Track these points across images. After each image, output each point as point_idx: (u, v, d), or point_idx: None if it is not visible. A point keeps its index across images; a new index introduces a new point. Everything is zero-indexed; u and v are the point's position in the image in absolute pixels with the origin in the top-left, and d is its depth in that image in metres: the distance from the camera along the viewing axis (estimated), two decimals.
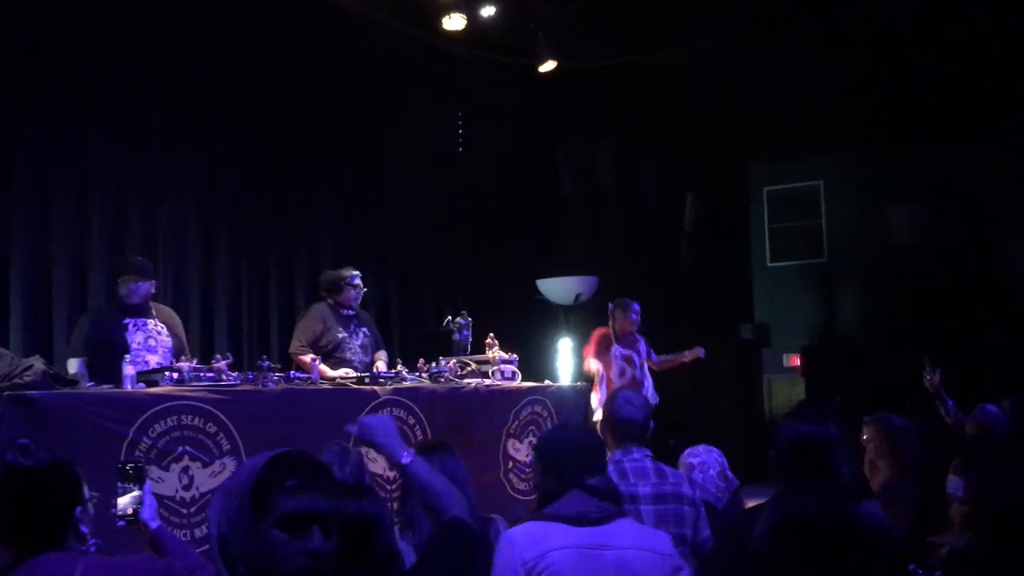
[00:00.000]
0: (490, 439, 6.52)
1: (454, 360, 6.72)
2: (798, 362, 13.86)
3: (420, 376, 6.36)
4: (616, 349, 8.10)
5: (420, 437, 5.82)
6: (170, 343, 5.83)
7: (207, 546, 2.02)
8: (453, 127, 10.50)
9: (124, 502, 2.85)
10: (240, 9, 7.97)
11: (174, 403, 4.73)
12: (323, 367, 6.24)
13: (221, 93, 8.07)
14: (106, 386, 4.78)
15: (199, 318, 7.75)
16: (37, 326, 6.64)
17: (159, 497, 4.31)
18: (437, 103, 10.01)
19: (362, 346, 6.82)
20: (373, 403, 5.66)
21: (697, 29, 9.11)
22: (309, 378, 5.73)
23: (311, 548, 1.86)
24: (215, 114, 8.03)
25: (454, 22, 8.35)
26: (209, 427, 4.85)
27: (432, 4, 8.40)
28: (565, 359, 9.55)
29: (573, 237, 11.79)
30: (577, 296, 10.29)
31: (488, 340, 6.96)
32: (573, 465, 2.93)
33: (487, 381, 6.65)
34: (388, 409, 5.77)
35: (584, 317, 9.85)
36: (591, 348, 8.19)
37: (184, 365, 5.12)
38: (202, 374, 5.11)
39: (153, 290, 5.93)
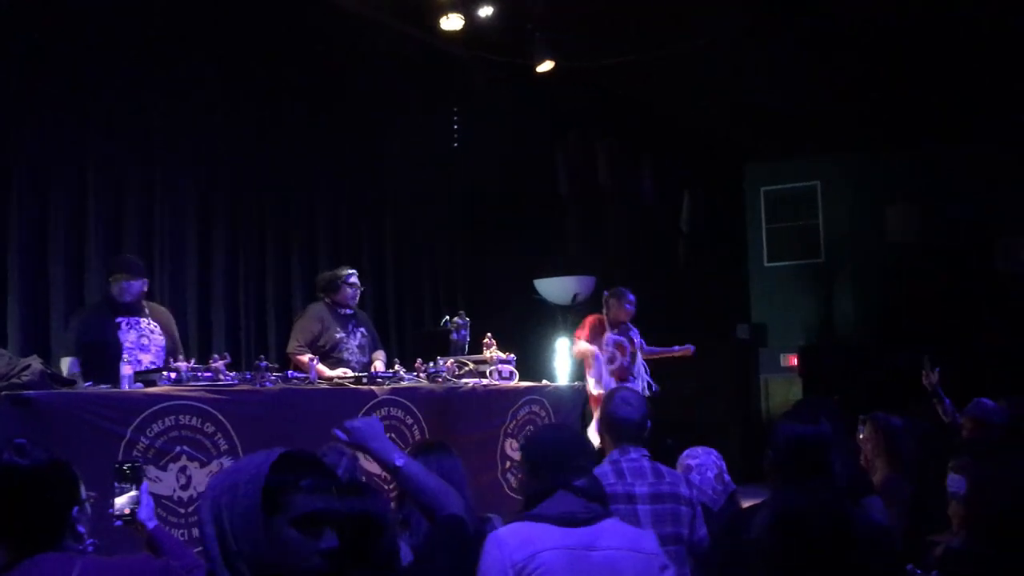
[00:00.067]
0: (488, 439, 6.52)
1: (452, 360, 6.72)
2: (795, 362, 13.87)
3: (418, 376, 6.36)
4: (608, 336, 8.00)
5: (418, 437, 5.82)
6: (163, 342, 5.82)
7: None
8: (451, 127, 10.50)
9: (121, 502, 2.85)
10: (239, 9, 7.97)
11: (172, 403, 4.73)
12: (321, 367, 6.24)
13: (219, 93, 8.07)
14: (104, 386, 4.78)
15: (197, 318, 7.76)
16: (35, 326, 6.64)
17: (157, 497, 4.32)
18: (436, 103, 10.02)
19: (360, 346, 6.82)
20: (371, 403, 5.67)
21: (695, 29, 9.11)
22: (307, 378, 5.73)
23: (324, 548, 1.88)
24: (213, 114, 8.03)
25: (452, 22, 8.36)
26: (207, 427, 4.85)
27: (430, 4, 8.40)
28: (563, 359, 9.54)
29: (571, 237, 11.80)
30: (575, 296, 10.29)
31: (486, 340, 6.97)
32: (560, 466, 2.93)
33: (485, 381, 6.66)
34: (386, 409, 5.77)
35: (582, 317, 9.83)
36: (583, 332, 8.08)
37: (182, 365, 5.12)
38: (200, 374, 5.11)
39: (146, 288, 5.91)
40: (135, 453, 4.49)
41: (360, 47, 8.96)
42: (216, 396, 4.94)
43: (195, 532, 4.66)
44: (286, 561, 1.87)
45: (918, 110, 11.64)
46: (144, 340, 5.70)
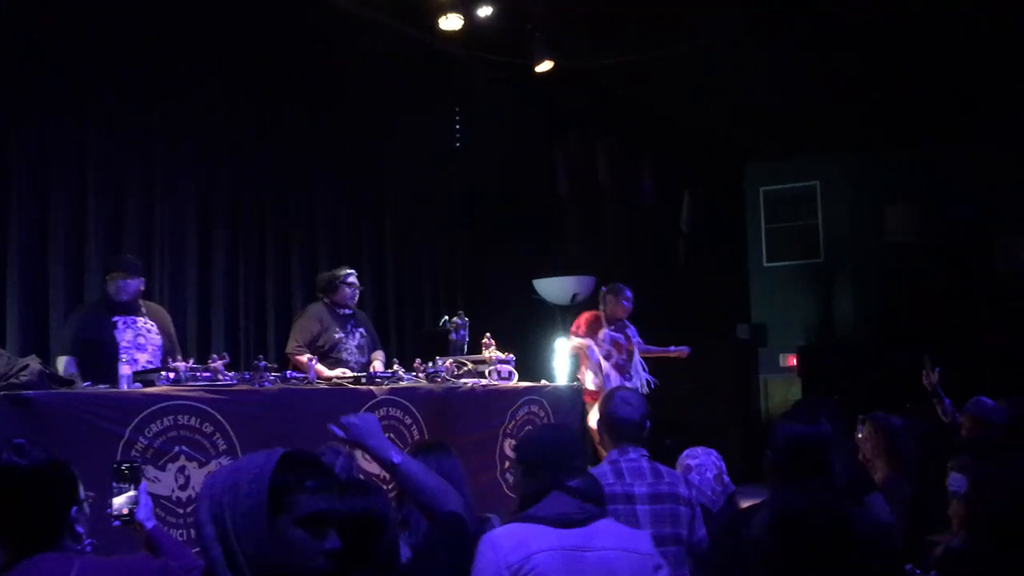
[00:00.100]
0: (486, 439, 6.52)
1: (451, 360, 6.72)
2: (794, 362, 13.87)
3: (417, 376, 6.36)
4: (605, 333, 7.94)
5: (416, 437, 5.82)
6: (160, 341, 5.82)
7: None
8: (451, 127, 10.50)
9: (120, 502, 2.85)
10: (239, 9, 7.97)
11: (170, 403, 4.73)
12: (320, 367, 6.24)
13: (219, 93, 8.08)
14: (102, 386, 4.78)
15: (196, 318, 7.76)
16: (34, 326, 6.64)
17: (155, 497, 4.30)
18: (435, 103, 10.02)
19: (359, 346, 6.82)
20: (369, 403, 5.66)
21: (694, 29, 9.11)
22: (306, 378, 5.73)
23: (328, 548, 1.90)
24: (213, 114, 8.03)
25: (451, 22, 8.35)
26: (205, 427, 4.85)
27: (430, 4, 8.40)
28: (562, 359, 9.53)
29: (570, 237, 11.80)
30: (574, 296, 10.29)
31: (485, 340, 6.97)
32: (554, 467, 2.93)
33: (484, 381, 6.65)
34: (384, 409, 5.77)
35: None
36: (578, 329, 8.02)
37: (180, 365, 5.11)
38: (198, 374, 5.11)
39: (142, 287, 5.91)
40: (134, 453, 4.49)
41: (360, 47, 8.96)
42: (215, 396, 4.94)
43: (194, 532, 4.66)
44: (291, 561, 1.87)
45: (918, 110, 11.63)
46: (141, 339, 5.70)
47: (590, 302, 9.68)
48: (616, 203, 12.55)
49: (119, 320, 5.69)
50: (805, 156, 14.28)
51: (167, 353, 5.79)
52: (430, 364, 6.54)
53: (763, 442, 3.30)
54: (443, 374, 6.47)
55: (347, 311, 6.86)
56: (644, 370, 8.10)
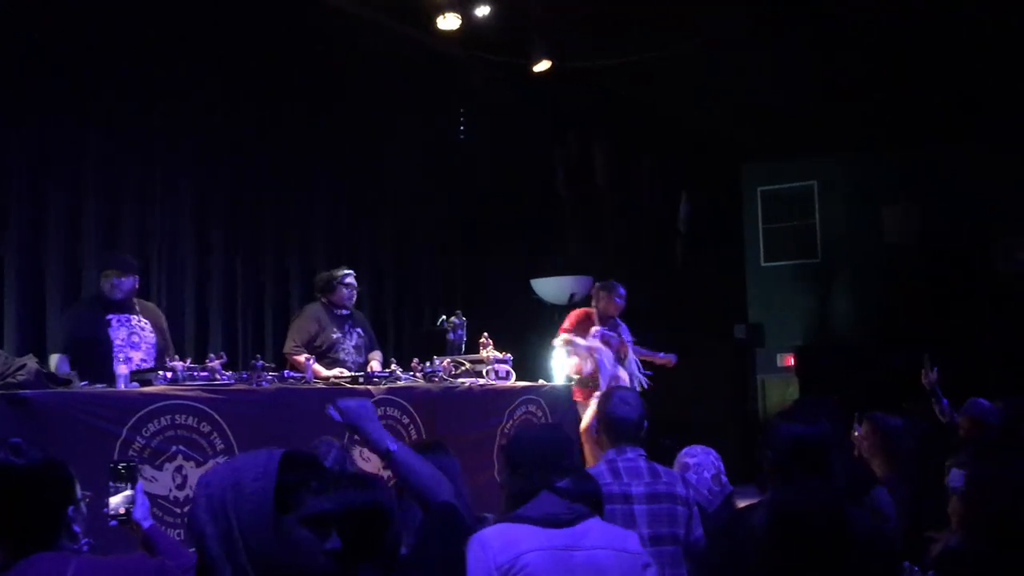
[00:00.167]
0: (484, 438, 6.51)
1: (448, 360, 6.72)
2: (792, 362, 13.88)
3: (414, 376, 6.35)
4: (596, 331, 7.76)
5: (414, 437, 5.82)
6: (154, 339, 5.81)
7: None
8: (450, 127, 10.50)
9: (116, 501, 2.84)
10: (239, 9, 7.97)
11: (168, 402, 4.72)
12: (317, 367, 6.23)
13: (219, 93, 8.09)
14: (100, 385, 4.78)
15: (194, 317, 7.76)
16: (31, 325, 6.63)
17: (153, 496, 4.31)
18: (435, 103, 10.02)
19: (356, 347, 6.81)
20: None
21: (693, 30, 9.11)
22: (303, 378, 5.72)
23: (329, 548, 1.91)
24: (212, 114, 8.04)
25: (449, 22, 8.35)
26: (203, 426, 4.84)
27: (428, 4, 8.39)
28: (559, 359, 9.52)
29: (568, 237, 11.80)
30: (572, 296, 10.29)
31: (482, 340, 6.96)
32: (541, 467, 2.94)
33: (481, 381, 6.65)
34: (382, 409, 5.76)
35: None
36: (568, 326, 7.85)
37: (178, 364, 5.11)
38: (196, 373, 5.10)
39: (137, 286, 5.90)
40: (131, 453, 4.48)
41: (359, 47, 8.96)
42: (212, 396, 4.93)
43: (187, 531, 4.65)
44: (296, 561, 1.88)
45: (917, 110, 11.65)
46: (135, 337, 5.69)
47: (587, 302, 9.68)
48: (614, 203, 12.56)
49: (113, 318, 5.68)
50: (803, 156, 14.29)
51: (161, 351, 5.79)
52: (428, 364, 6.53)
53: (759, 442, 3.29)
54: (441, 374, 6.46)
55: (344, 311, 6.85)
56: (638, 369, 7.96)
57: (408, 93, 9.57)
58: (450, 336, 7.01)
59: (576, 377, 7.71)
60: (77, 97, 7.07)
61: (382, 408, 5.76)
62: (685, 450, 4.53)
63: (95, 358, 5.33)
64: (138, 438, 4.54)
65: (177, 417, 4.74)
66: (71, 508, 2.42)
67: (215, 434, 4.88)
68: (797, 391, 13.36)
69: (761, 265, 14.92)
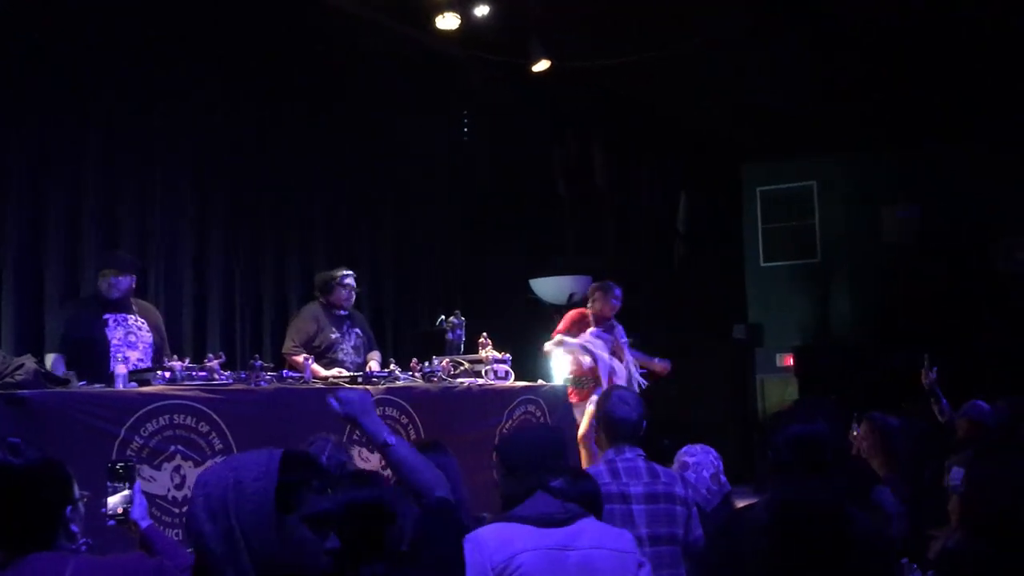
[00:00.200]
0: (483, 438, 6.48)
1: (447, 359, 6.71)
2: (791, 362, 13.88)
3: (413, 375, 6.34)
4: (591, 332, 7.67)
5: (413, 437, 5.81)
6: (150, 339, 5.80)
7: None
8: (450, 127, 10.49)
9: (114, 501, 2.84)
10: (238, 9, 7.97)
11: (166, 402, 4.71)
12: (316, 367, 6.22)
13: (218, 93, 8.10)
14: (98, 385, 4.77)
15: (192, 317, 7.75)
16: (29, 325, 6.62)
17: (151, 496, 4.30)
18: (434, 103, 10.02)
19: (355, 347, 6.80)
20: None
21: (692, 30, 9.11)
22: (302, 378, 5.71)
23: (330, 548, 1.91)
24: (212, 113, 8.05)
25: (448, 21, 8.35)
26: (201, 426, 4.83)
27: (427, 4, 8.39)
28: (558, 359, 9.52)
29: (567, 237, 11.80)
30: (571, 296, 10.29)
31: (481, 340, 6.95)
32: (535, 467, 2.96)
33: (480, 380, 6.64)
34: (381, 408, 5.75)
35: None
36: (563, 328, 7.76)
37: (176, 364, 5.10)
38: (194, 373, 5.09)
39: (134, 285, 5.89)
40: (129, 452, 4.47)
41: (359, 47, 8.97)
42: (211, 395, 4.93)
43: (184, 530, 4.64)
44: (298, 561, 1.88)
45: (916, 110, 11.64)
46: (132, 337, 5.67)
47: (586, 302, 9.67)
48: (613, 203, 12.56)
49: (110, 318, 5.66)
50: (802, 156, 14.28)
51: (158, 351, 5.78)
52: (426, 364, 6.52)
53: (760, 442, 3.29)
54: (439, 374, 6.45)
55: (343, 311, 6.85)
56: (636, 370, 7.84)
57: (407, 93, 9.57)
58: (449, 336, 7.01)
59: (571, 378, 7.64)
60: (77, 97, 7.07)
61: (381, 408, 5.75)
62: (684, 449, 4.53)
63: (92, 358, 5.32)
64: (136, 438, 4.53)
65: (175, 417, 4.73)
66: (69, 508, 2.41)
67: (213, 434, 4.87)
68: (796, 391, 13.35)
69: (760, 265, 14.91)
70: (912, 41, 9.83)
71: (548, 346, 7.78)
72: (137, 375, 4.99)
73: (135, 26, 7.34)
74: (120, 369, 4.82)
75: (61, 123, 6.97)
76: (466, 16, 8.39)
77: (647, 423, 3.85)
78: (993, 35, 9.70)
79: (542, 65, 9.18)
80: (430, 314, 9.40)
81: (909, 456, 4.94)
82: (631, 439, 3.78)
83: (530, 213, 10.77)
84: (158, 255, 7.52)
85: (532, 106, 10.46)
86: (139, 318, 5.79)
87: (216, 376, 5.14)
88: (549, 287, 10.54)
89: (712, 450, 4.53)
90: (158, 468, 4.63)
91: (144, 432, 4.57)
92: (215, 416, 4.88)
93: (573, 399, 7.45)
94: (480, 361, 6.81)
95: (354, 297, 6.94)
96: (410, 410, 5.94)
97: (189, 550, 2.04)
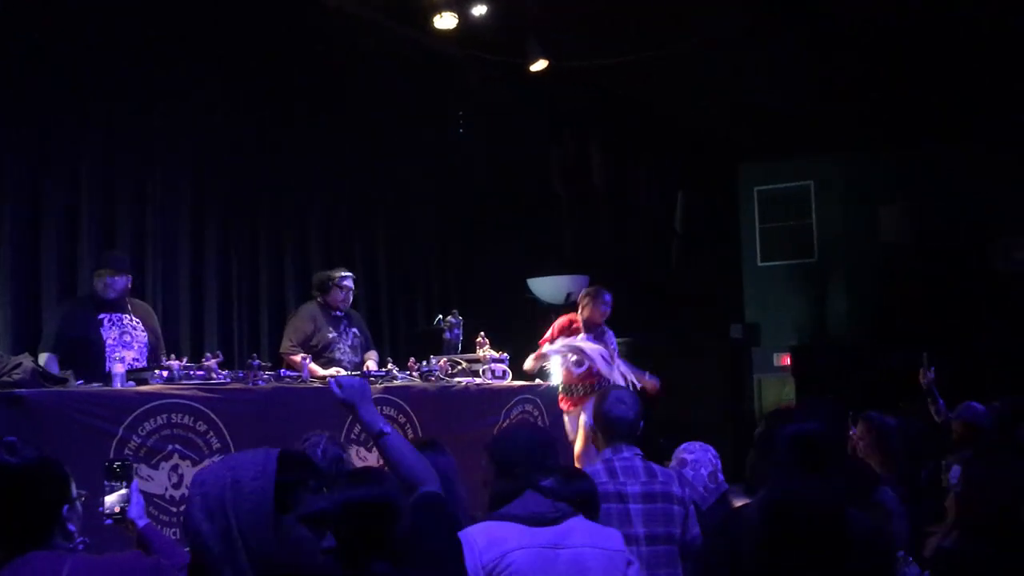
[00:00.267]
0: (481, 438, 6.45)
1: (445, 359, 6.71)
2: (788, 362, 13.88)
3: (411, 375, 6.35)
4: (582, 339, 7.38)
5: (411, 436, 5.81)
6: (146, 339, 5.79)
7: None
8: (448, 126, 10.49)
9: (111, 500, 2.84)
10: (238, 9, 7.97)
11: (164, 401, 4.72)
12: (313, 366, 6.22)
13: (218, 93, 8.09)
14: (95, 384, 4.77)
15: (190, 316, 7.74)
16: (26, 324, 6.61)
17: (149, 495, 4.30)
18: (431, 102, 10.01)
19: (352, 346, 6.80)
20: None
21: (689, 29, 9.12)
22: (299, 377, 5.71)
23: (327, 547, 1.92)
24: (211, 113, 8.04)
25: (445, 21, 8.35)
26: (199, 425, 4.83)
27: (426, 3, 8.39)
28: (556, 359, 9.50)
29: (564, 236, 11.80)
30: (568, 296, 10.28)
31: (479, 339, 6.95)
32: (526, 466, 2.98)
33: (478, 380, 6.64)
34: (379, 408, 5.74)
35: None
36: (551, 336, 7.51)
37: (174, 363, 5.10)
38: (192, 372, 5.10)
39: (130, 285, 5.89)
40: (127, 451, 4.47)
41: (358, 47, 8.97)
42: (208, 395, 4.93)
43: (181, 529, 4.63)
44: (296, 560, 1.88)
45: (914, 110, 11.65)
46: (127, 337, 5.67)
47: None
48: (610, 203, 12.56)
49: (105, 317, 5.66)
50: (799, 156, 14.29)
51: (154, 351, 5.77)
52: (424, 363, 6.52)
53: (755, 442, 3.29)
54: (437, 373, 6.46)
55: (340, 312, 6.84)
56: (631, 373, 7.52)
57: (405, 93, 9.57)
58: (446, 335, 7.01)
59: (562, 385, 7.37)
60: (77, 97, 7.06)
61: (379, 407, 5.71)
62: (683, 445, 4.53)
63: (87, 358, 5.32)
64: (134, 437, 4.54)
65: (173, 416, 4.73)
66: (66, 507, 2.42)
67: (211, 433, 4.87)
68: (793, 391, 13.35)
69: (757, 265, 14.91)
70: (910, 41, 9.83)
71: (528, 364, 7.41)
72: (135, 374, 4.99)
73: (135, 26, 7.33)
74: (118, 368, 4.83)
75: (60, 123, 6.96)
76: (464, 16, 8.38)
77: (644, 422, 3.85)
78: (991, 35, 9.70)
79: (540, 65, 9.18)
80: (428, 313, 9.40)
81: (906, 456, 4.94)
82: (628, 438, 3.78)
83: (528, 212, 10.77)
84: (156, 254, 7.51)
85: (530, 106, 10.46)
86: (134, 318, 5.79)
87: (214, 375, 5.14)
88: (547, 286, 10.54)
89: (711, 448, 4.53)
90: (156, 467, 4.63)
91: (142, 431, 4.58)
92: (213, 415, 4.88)
93: (564, 406, 7.27)
94: (478, 360, 6.82)
95: (351, 299, 6.94)
96: (408, 409, 5.94)
97: (186, 549, 2.04)
